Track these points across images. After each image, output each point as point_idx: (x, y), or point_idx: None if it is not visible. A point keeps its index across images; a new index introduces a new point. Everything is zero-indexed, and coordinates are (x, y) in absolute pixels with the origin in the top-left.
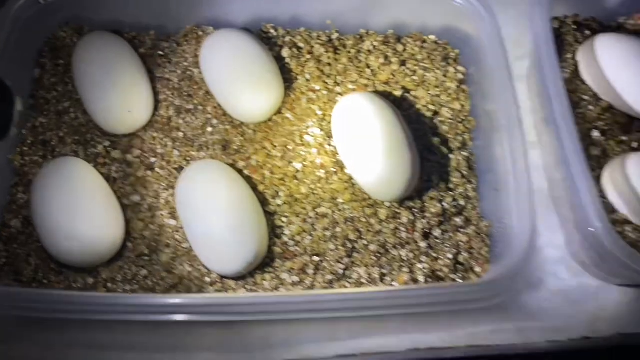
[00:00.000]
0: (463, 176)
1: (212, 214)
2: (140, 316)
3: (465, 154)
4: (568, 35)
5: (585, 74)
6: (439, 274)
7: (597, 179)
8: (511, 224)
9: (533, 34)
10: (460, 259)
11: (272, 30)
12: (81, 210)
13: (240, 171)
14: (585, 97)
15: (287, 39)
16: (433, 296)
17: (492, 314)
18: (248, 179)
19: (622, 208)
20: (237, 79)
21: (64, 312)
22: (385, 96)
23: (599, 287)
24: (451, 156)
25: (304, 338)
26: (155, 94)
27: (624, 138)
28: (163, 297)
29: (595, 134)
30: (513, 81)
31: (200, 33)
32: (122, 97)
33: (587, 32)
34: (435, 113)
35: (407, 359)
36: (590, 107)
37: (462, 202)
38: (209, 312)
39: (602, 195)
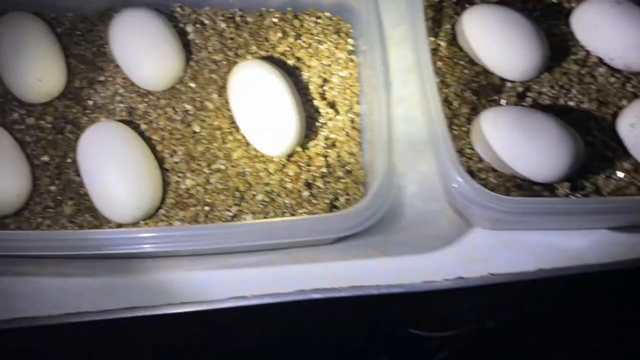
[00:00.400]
0: (348, 135)
1: (108, 168)
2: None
3: (351, 115)
4: (448, 9)
5: (461, 41)
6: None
7: (467, 133)
8: (377, 169)
9: (408, 8)
10: (337, 203)
11: (179, 9)
12: None
13: (142, 133)
14: (461, 62)
15: (193, 16)
16: (297, 227)
17: (373, 257)
18: (148, 140)
19: (485, 157)
20: (140, 51)
21: None
22: (281, 65)
23: (473, 231)
24: (339, 117)
25: (199, 281)
26: (71, 67)
27: (495, 97)
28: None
29: (467, 93)
30: (385, 47)
31: (114, 14)
32: (34, 68)
33: (467, 5)
34: (326, 80)
35: (294, 300)
36: (466, 71)
37: (346, 157)
38: (101, 245)
39: (471, 148)
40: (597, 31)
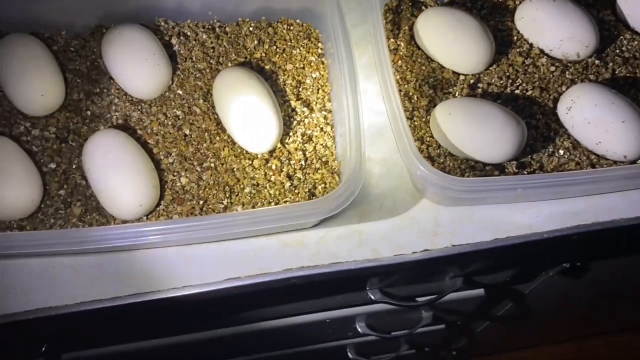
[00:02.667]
0: (322, 130)
1: (110, 171)
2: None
3: (324, 112)
4: (406, 11)
5: (418, 41)
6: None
7: (427, 123)
8: (348, 159)
9: (368, 11)
10: (315, 191)
11: (163, 23)
12: (3, 176)
13: (138, 138)
14: (419, 60)
15: (176, 29)
16: (282, 213)
17: (349, 237)
18: (145, 144)
19: (442, 144)
20: (130, 63)
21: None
22: (259, 70)
23: (436, 208)
24: (313, 115)
25: (198, 267)
26: (69, 82)
27: (450, 90)
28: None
29: (425, 87)
30: (350, 48)
31: (104, 30)
32: (36, 84)
33: (423, 8)
34: (300, 82)
35: (282, 278)
36: (423, 68)
37: (321, 150)
38: (111, 239)
39: (431, 136)
40: (537, 26)
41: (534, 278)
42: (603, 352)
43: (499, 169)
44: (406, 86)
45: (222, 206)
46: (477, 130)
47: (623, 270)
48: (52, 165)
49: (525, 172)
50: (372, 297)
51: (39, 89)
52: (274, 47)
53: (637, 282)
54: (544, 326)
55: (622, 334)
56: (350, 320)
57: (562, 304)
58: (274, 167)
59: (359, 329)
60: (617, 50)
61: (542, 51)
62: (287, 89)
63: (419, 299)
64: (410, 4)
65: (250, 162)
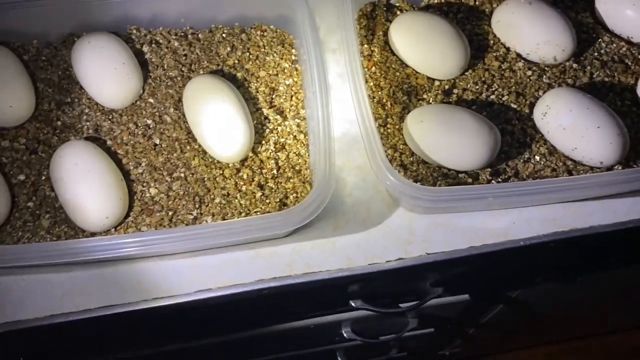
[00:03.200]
0: (295, 138)
1: (78, 183)
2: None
3: (297, 120)
4: (380, 17)
5: (393, 47)
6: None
7: (400, 131)
8: (319, 167)
9: (341, 18)
10: (286, 201)
11: (135, 31)
12: None
13: (108, 148)
14: (393, 66)
15: (148, 37)
16: (251, 225)
17: (323, 246)
18: (114, 154)
19: (415, 151)
20: (101, 72)
21: None
22: (231, 77)
23: (410, 215)
24: (286, 123)
25: (168, 279)
26: (39, 91)
27: (424, 96)
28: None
29: (399, 94)
30: (321, 55)
31: (76, 39)
32: (5, 95)
33: (398, 13)
34: (273, 89)
35: (254, 289)
36: (397, 74)
37: (294, 159)
38: (78, 253)
39: (404, 143)
40: (514, 29)
41: (518, 284)
42: (598, 353)
43: (473, 176)
44: (380, 93)
45: (192, 217)
46: (448, 138)
47: (607, 274)
48: (22, 177)
49: (500, 180)
50: (353, 304)
51: (8, 99)
52: (247, 54)
53: (623, 285)
54: (538, 327)
55: (614, 335)
56: (336, 326)
57: (553, 307)
58: (245, 176)
59: (345, 335)
60: (596, 54)
61: (519, 55)
62: (259, 96)
63: (402, 305)
64: (385, 8)
65: (221, 172)
